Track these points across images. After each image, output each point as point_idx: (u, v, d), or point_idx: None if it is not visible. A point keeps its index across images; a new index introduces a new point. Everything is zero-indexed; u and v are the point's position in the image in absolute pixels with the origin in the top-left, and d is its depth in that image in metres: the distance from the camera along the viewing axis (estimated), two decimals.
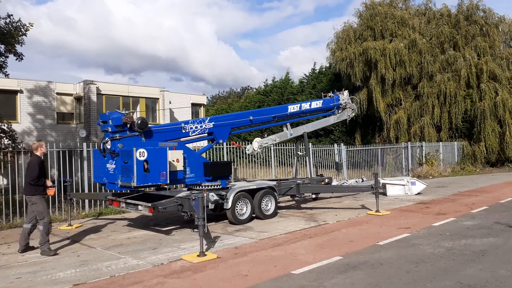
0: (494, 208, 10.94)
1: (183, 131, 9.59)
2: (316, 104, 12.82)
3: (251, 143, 11.98)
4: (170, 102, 25.42)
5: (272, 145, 13.52)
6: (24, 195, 7.58)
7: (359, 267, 5.93)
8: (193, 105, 27.91)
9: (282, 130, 12.51)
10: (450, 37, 26.25)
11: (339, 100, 13.33)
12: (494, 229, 8.28)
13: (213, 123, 10.11)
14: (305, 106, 12.44)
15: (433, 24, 27.45)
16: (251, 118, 10.97)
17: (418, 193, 14.25)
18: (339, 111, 13.47)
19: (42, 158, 7.72)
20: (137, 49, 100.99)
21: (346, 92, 13.81)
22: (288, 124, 12.30)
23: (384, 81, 26.03)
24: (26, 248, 7.51)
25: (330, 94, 13.48)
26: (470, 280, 5.26)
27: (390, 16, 27.27)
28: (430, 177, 20.88)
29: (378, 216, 10.16)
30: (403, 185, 14.25)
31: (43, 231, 7.24)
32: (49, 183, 7.65)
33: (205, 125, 9.98)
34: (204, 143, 12.73)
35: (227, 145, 14.14)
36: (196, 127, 9.83)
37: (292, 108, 12.12)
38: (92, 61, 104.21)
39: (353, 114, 13.96)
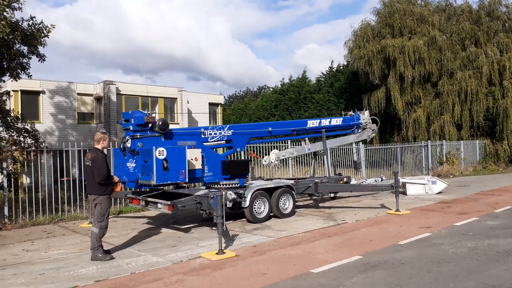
0: None
1: (203, 136, 9.66)
2: (336, 121, 12.80)
3: (268, 155, 12.02)
4: (188, 102, 25.62)
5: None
6: (88, 194, 6.94)
7: (380, 266, 5.86)
8: (211, 104, 28.04)
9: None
10: (471, 33, 25.68)
11: (359, 119, 13.27)
12: None
13: (232, 131, 10.17)
14: (325, 122, 12.42)
15: (454, 20, 26.93)
16: (270, 129, 11.02)
17: (439, 192, 13.99)
18: (359, 131, 13.39)
19: (106, 152, 6.95)
20: (154, 49, 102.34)
21: (367, 112, 13.75)
22: (306, 138, 12.38)
23: (403, 79, 25.65)
24: (107, 251, 6.95)
25: (351, 112, 13.44)
26: (495, 280, 5.14)
27: (409, 13, 26.85)
28: (451, 176, 20.48)
29: (398, 216, 10.03)
30: (424, 184, 14.02)
31: (97, 235, 6.67)
32: (116, 178, 7.15)
33: (224, 132, 10.06)
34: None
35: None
36: (216, 133, 9.91)
37: (312, 123, 12.15)
38: (110, 61, 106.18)
39: (373, 135, 13.89)
